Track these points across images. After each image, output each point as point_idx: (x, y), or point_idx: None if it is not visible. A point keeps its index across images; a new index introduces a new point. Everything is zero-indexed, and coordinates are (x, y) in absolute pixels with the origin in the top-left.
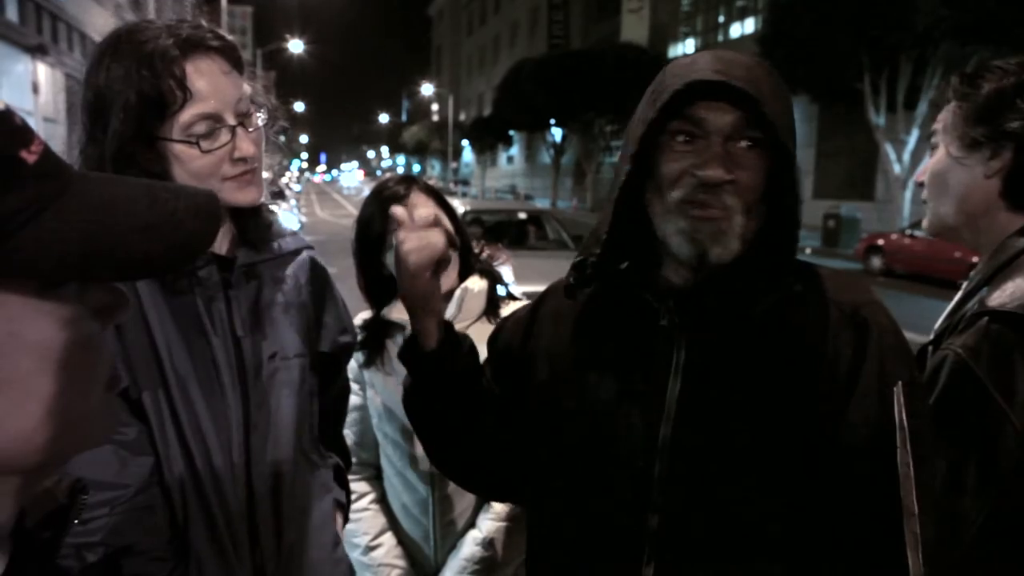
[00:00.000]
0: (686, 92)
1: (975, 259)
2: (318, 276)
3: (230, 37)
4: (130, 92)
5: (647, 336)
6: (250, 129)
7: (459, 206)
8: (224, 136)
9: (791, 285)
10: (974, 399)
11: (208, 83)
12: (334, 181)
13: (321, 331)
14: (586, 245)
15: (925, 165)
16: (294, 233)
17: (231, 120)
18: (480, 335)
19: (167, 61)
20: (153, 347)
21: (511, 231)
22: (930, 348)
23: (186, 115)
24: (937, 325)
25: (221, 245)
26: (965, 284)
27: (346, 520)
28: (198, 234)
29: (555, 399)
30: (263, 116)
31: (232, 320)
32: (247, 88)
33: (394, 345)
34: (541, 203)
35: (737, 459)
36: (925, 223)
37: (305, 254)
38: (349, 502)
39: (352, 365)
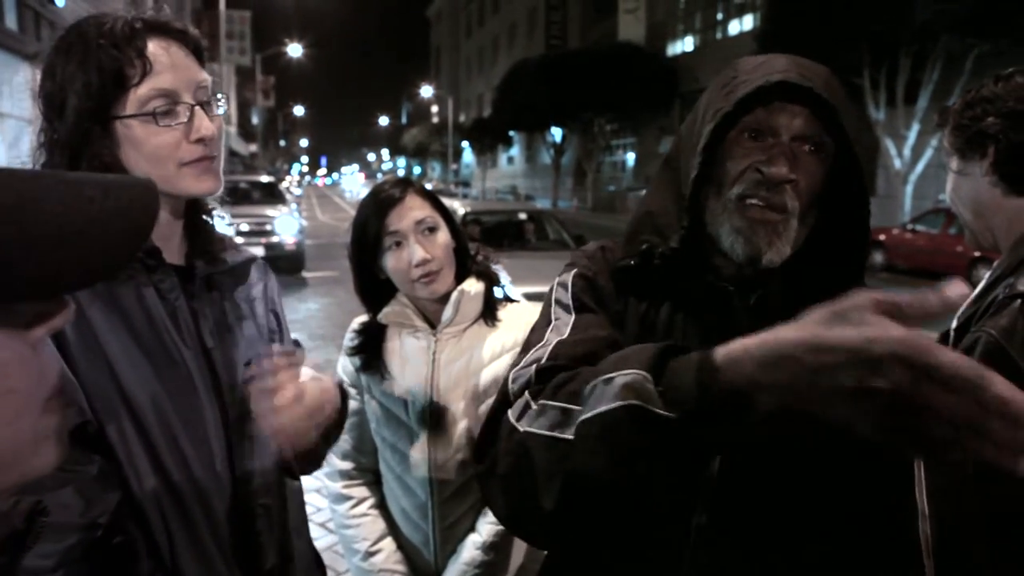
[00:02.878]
0: (766, 89)
1: (977, 253)
2: (268, 283)
3: (193, 30)
4: (91, 70)
5: (714, 330)
6: (210, 113)
7: (459, 208)
8: (182, 115)
9: (864, 286)
10: (1009, 380)
11: (168, 60)
12: (335, 184)
13: (283, 336)
14: (637, 231)
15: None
16: (237, 246)
17: (190, 99)
18: (477, 338)
19: (129, 35)
20: (112, 373)
21: (511, 231)
22: (952, 334)
23: (144, 89)
24: (960, 312)
25: (176, 256)
26: (989, 273)
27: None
28: (125, 239)
29: None
30: (223, 106)
31: (200, 331)
32: (207, 76)
33: (391, 348)
34: (542, 203)
35: (791, 464)
36: (968, 240)
37: (255, 265)
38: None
39: (350, 369)
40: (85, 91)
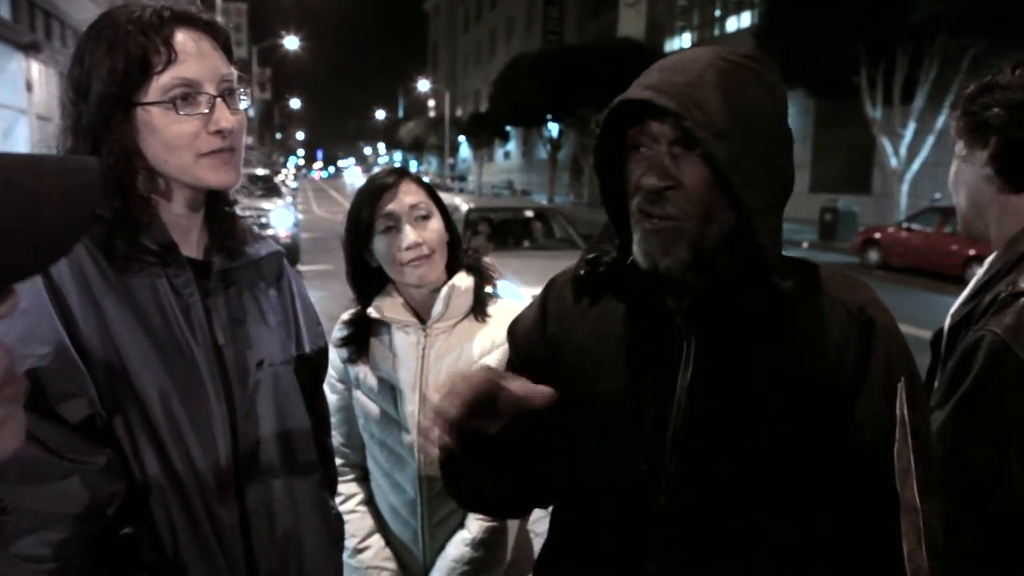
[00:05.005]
0: (626, 107)
1: (972, 252)
2: (290, 279)
3: (223, 23)
4: (117, 56)
5: (659, 332)
6: (232, 107)
7: (461, 204)
8: (203, 105)
9: (777, 283)
10: (1015, 379)
11: (194, 50)
12: (331, 178)
13: (300, 335)
14: (598, 240)
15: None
16: (263, 237)
17: (212, 91)
18: (467, 333)
19: (156, 24)
20: (122, 366)
21: (517, 230)
22: (945, 332)
23: (167, 77)
24: (953, 310)
25: (195, 250)
26: (982, 272)
27: (341, 532)
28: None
29: (570, 392)
30: (247, 100)
31: (212, 329)
32: (233, 71)
33: (380, 343)
34: (538, 198)
35: (746, 455)
36: (959, 228)
37: (276, 258)
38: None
39: (337, 363)
40: (110, 76)
